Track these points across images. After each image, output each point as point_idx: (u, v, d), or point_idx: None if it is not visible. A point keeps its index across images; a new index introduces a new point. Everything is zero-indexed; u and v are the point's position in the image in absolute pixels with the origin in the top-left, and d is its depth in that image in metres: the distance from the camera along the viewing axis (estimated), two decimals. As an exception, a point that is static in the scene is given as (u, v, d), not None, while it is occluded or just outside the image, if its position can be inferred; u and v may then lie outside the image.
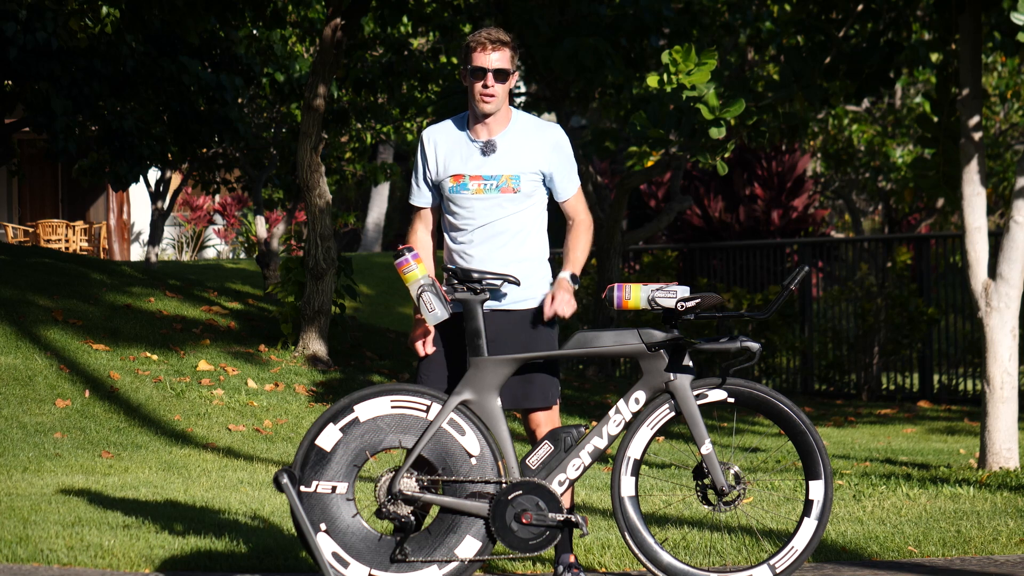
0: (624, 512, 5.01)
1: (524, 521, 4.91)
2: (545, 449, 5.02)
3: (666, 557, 5.00)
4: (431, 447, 4.97)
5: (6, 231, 24.11)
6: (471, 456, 4.97)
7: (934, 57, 15.85)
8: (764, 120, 9.91)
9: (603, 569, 5.80)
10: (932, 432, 11.82)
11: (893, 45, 9.75)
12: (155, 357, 11.90)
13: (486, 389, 5.00)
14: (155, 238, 19.96)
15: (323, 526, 4.95)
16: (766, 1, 15.64)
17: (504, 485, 4.94)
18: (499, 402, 5.02)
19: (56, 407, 10.40)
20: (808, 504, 5.04)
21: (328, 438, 4.97)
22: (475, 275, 5.02)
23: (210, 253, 29.98)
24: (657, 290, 4.99)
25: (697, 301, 4.96)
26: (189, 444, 9.88)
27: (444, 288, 5.08)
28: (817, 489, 5.03)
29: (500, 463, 4.98)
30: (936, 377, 15.21)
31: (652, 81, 8.63)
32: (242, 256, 28.27)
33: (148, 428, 10.21)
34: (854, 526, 6.67)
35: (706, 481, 5.06)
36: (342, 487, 4.96)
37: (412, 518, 4.95)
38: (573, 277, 5.11)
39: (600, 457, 5.16)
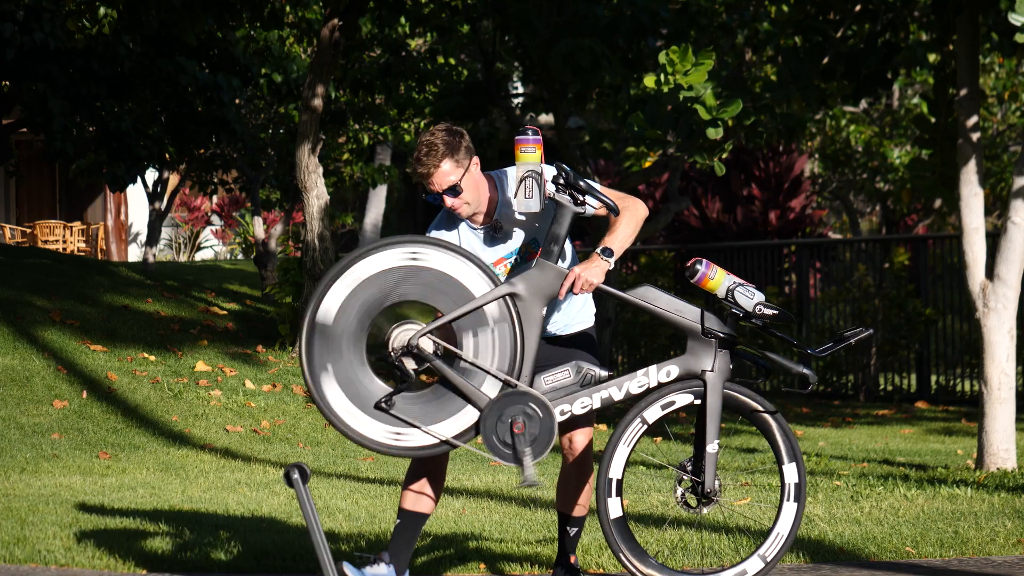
0: (615, 534, 4.98)
1: (516, 430, 4.89)
2: (563, 375, 4.98)
3: (664, 570, 4.98)
4: (462, 321, 4.89)
5: (4, 232, 24.10)
6: (495, 347, 4.92)
7: (932, 58, 15.85)
8: (762, 121, 9.91)
9: (601, 570, 5.80)
10: (930, 433, 11.83)
11: (891, 46, 9.75)
12: (153, 358, 11.90)
13: (538, 294, 4.92)
14: (153, 239, 19.95)
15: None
16: (764, 2, 15.65)
17: (509, 389, 4.89)
18: (543, 311, 4.94)
19: (54, 408, 10.39)
20: (784, 488, 5.03)
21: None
22: (583, 185, 4.93)
23: (208, 254, 29.97)
24: (739, 285, 4.96)
25: (774, 313, 4.94)
26: (187, 445, 9.88)
27: (548, 183, 4.97)
28: (791, 472, 5.02)
29: (517, 367, 4.90)
30: (934, 378, 15.21)
31: (649, 82, 8.63)
32: (240, 257, 28.25)
33: (146, 429, 10.21)
34: (852, 527, 6.67)
35: (685, 485, 5.03)
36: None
37: (414, 375, 4.87)
38: (606, 251, 4.93)
39: (608, 406, 5.10)
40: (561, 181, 4.92)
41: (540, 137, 4.94)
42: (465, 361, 4.89)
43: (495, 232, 5.12)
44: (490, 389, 4.90)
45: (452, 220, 5.17)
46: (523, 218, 5.08)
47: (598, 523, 6.72)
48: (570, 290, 4.92)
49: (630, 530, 5.02)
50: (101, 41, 14.11)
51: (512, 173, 5.10)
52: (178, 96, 15.23)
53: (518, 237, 5.13)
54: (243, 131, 15.90)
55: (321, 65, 12.18)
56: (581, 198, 4.94)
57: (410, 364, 4.87)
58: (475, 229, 5.14)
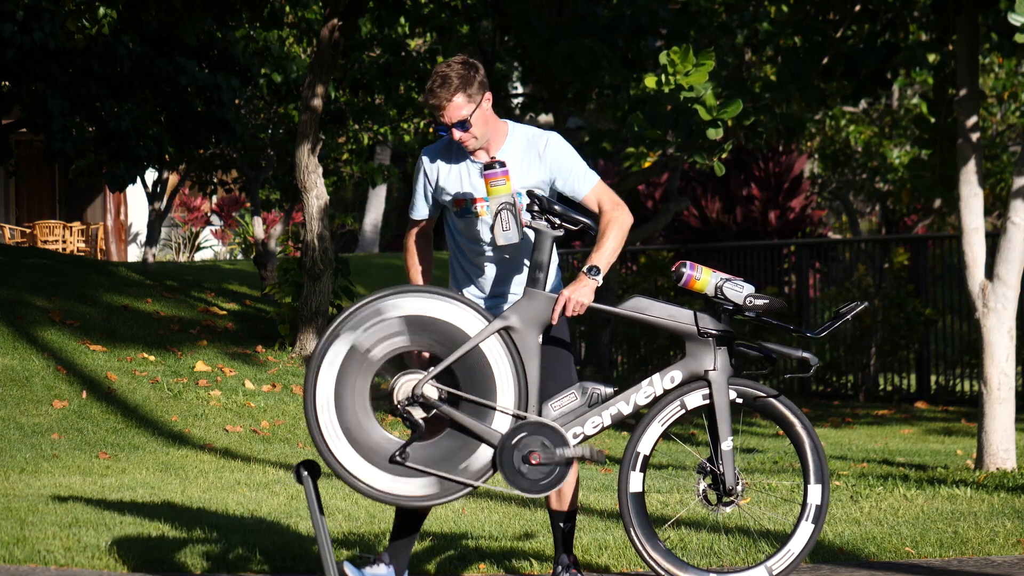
0: (631, 509, 5.00)
1: (533, 462, 4.89)
2: (569, 398, 4.99)
3: (670, 556, 5.00)
4: (461, 362, 4.90)
5: (3, 232, 24.10)
6: (497, 383, 4.92)
7: (931, 58, 15.85)
8: (761, 121, 9.92)
9: (600, 569, 5.80)
10: (929, 433, 11.83)
11: (890, 46, 9.75)
12: (152, 358, 11.90)
13: (532, 322, 4.93)
14: (152, 239, 19.94)
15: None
16: (764, 2, 15.65)
17: (519, 422, 4.89)
18: (540, 339, 4.95)
19: (53, 408, 10.39)
20: (806, 507, 5.04)
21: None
22: (557, 208, 4.94)
23: (207, 254, 29.97)
24: (727, 281, 4.97)
25: (765, 302, 4.95)
26: (186, 445, 9.88)
27: (523, 212, 4.99)
28: (815, 493, 5.04)
29: (523, 398, 4.92)
30: (933, 378, 15.21)
31: (650, 82, 8.64)
32: (239, 257, 28.25)
33: (145, 429, 10.21)
34: (851, 527, 6.67)
35: (707, 481, 5.05)
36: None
37: (423, 424, 4.88)
38: (592, 269, 4.95)
39: (619, 422, 5.13)
40: (536, 208, 4.94)
41: (508, 168, 4.97)
42: (472, 401, 4.89)
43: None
44: (501, 425, 4.91)
45: (449, 149, 5.16)
46: (518, 165, 5.07)
47: (597, 521, 6.73)
48: (563, 313, 4.94)
49: (646, 509, 5.03)
50: (101, 41, 14.11)
51: (521, 131, 5.13)
52: (178, 96, 15.23)
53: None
54: (243, 131, 15.90)
55: (321, 65, 12.18)
56: (558, 221, 4.96)
57: (420, 414, 4.88)
58: (474, 162, 5.13)
